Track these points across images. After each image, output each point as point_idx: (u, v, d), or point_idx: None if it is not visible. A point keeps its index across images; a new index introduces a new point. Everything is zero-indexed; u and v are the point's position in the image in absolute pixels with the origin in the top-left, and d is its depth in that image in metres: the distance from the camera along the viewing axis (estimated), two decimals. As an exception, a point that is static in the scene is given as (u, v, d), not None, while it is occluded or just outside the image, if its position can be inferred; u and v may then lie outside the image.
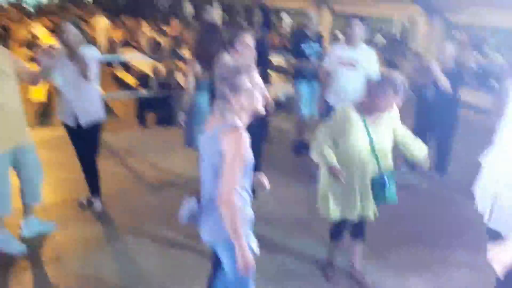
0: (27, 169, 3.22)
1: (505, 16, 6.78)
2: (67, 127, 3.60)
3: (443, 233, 3.75)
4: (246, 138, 1.86)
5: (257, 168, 2.12)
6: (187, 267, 3.14)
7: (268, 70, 5.68)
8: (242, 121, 1.93)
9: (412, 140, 2.80)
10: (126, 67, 9.16)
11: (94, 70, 3.45)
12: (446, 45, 4.37)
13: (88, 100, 3.52)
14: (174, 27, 9.63)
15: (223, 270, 2.13)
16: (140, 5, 16.63)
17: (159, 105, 6.78)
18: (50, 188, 4.00)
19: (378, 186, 2.69)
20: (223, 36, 3.75)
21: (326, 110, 4.25)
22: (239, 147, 1.82)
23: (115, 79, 9.30)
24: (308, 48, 5.02)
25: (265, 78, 4.61)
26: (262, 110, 1.97)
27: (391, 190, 2.69)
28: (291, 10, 13.26)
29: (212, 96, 3.28)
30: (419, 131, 3.79)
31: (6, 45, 5.92)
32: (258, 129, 3.52)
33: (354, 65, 4.11)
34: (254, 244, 2.03)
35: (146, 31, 10.32)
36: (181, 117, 3.96)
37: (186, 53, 7.12)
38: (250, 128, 1.96)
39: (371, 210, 2.78)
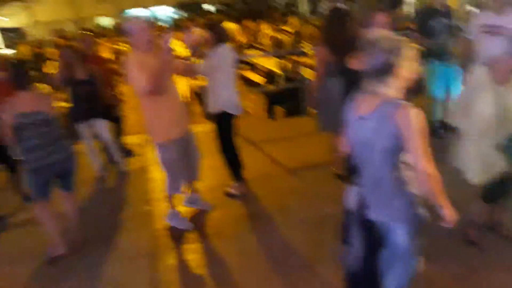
0: (191, 154, 3.80)
1: None
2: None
3: None
4: (417, 110, 1.83)
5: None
6: (329, 244, 3.22)
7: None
8: (400, 95, 1.90)
9: None
10: (252, 67, 9.76)
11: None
12: None
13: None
14: (292, 24, 9.95)
15: (385, 248, 2.12)
16: (258, 8, 17.43)
17: (286, 99, 7.16)
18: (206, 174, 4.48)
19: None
20: (354, 19, 3.76)
21: None
22: (417, 120, 1.81)
23: (242, 79, 9.98)
24: (438, 23, 4.78)
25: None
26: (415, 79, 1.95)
27: None
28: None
29: (347, 79, 3.33)
30: None
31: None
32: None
33: (502, 33, 3.78)
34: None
35: (267, 31, 10.84)
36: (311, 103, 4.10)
37: (306, 46, 7.38)
38: None
39: None
